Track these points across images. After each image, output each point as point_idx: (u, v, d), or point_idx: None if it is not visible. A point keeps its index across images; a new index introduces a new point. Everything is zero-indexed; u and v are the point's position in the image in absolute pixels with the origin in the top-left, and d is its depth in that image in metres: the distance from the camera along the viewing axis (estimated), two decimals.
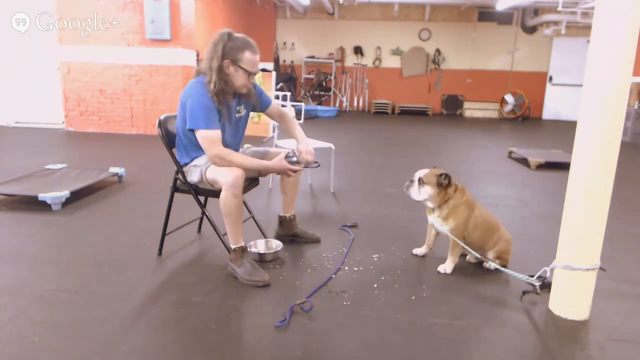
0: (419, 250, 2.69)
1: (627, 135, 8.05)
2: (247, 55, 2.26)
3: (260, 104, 2.58)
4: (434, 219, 2.48)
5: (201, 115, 2.22)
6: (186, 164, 2.43)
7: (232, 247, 2.31)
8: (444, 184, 2.37)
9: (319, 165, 2.46)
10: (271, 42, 12.02)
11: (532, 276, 2.21)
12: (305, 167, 2.43)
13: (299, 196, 3.61)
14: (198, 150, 2.37)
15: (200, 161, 2.37)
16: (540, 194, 4.23)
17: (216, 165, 2.27)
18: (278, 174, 2.50)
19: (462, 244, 2.40)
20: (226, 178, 2.18)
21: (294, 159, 2.38)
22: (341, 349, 1.76)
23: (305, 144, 2.52)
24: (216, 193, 2.36)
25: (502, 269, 2.37)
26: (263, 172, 2.55)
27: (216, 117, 2.27)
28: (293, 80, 11.92)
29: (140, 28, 6.78)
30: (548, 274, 2.13)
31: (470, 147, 6.86)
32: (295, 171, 2.40)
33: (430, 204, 2.44)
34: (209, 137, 2.23)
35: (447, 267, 2.46)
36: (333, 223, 3.21)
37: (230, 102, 2.36)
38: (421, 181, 2.39)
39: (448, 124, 10.05)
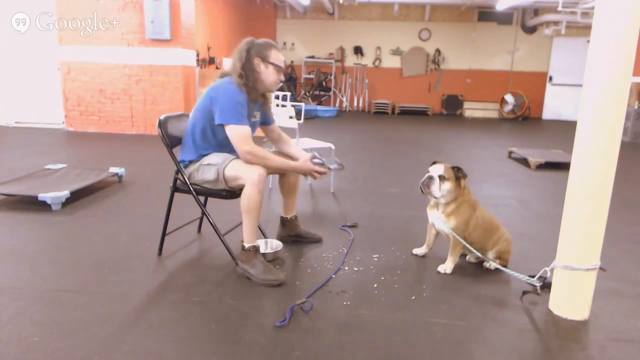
0: (419, 250, 2.69)
1: (627, 135, 8.05)
2: (274, 52, 2.35)
3: (266, 118, 2.60)
4: (435, 218, 2.48)
5: (233, 110, 2.25)
6: (191, 162, 2.43)
7: (246, 246, 2.30)
8: (459, 176, 2.38)
9: (343, 168, 2.45)
10: None
11: (533, 276, 2.20)
12: (330, 169, 2.42)
13: (299, 196, 3.61)
14: (208, 148, 2.39)
15: (215, 159, 2.36)
16: (540, 194, 4.23)
17: (247, 162, 2.29)
18: (304, 175, 2.49)
19: (463, 242, 2.40)
20: (252, 174, 2.20)
21: (320, 161, 2.39)
22: (341, 349, 1.76)
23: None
24: (217, 193, 2.37)
25: (503, 269, 2.37)
26: (286, 172, 2.56)
27: (246, 114, 2.30)
28: (293, 80, 11.92)
29: (140, 28, 6.78)
30: (548, 274, 2.13)
31: (470, 147, 6.86)
32: (320, 173, 2.41)
33: (444, 200, 2.42)
34: (241, 133, 2.25)
35: (447, 267, 2.46)
36: (333, 223, 3.21)
37: (252, 105, 2.40)
38: (442, 178, 2.38)
39: (448, 124, 10.05)
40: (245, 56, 2.31)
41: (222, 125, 2.29)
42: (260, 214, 2.32)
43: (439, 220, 2.46)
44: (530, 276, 2.23)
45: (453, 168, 2.39)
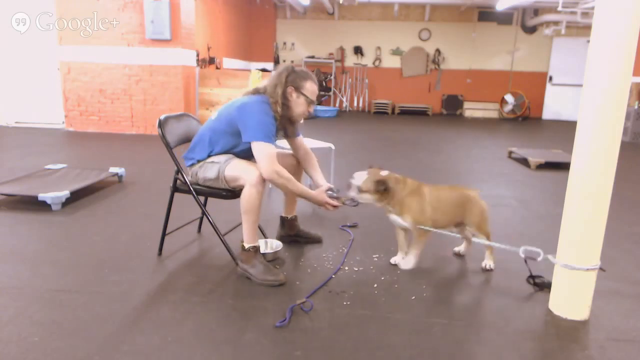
0: (396, 259, 2.57)
1: (627, 135, 8.05)
2: (309, 84, 2.37)
3: (293, 131, 2.60)
4: (395, 219, 2.45)
5: (266, 129, 2.26)
6: (198, 161, 2.43)
7: (246, 246, 2.30)
8: (381, 190, 2.35)
9: (357, 205, 2.46)
10: (271, 42, 12.02)
11: (531, 275, 2.21)
12: (343, 204, 2.44)
13: None
14: (221, 152, 2.39)
15: (219, 159, 2.37)
16: (540, 194, 4.22)
17: (271, 181, 2.30)
18: (318, 205, 2.48)
19: (434, 229, 2.38)
20: (251, 175, 2.22)
21: (334, 194, 2.42)
22: (341, 349, 1.76)
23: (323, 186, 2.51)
24: (218, 193, 2.37)
25: (490, 243, 2.33)
26: (301, 198, 2.55)
27: (274, 134, 2.34)
28: None
29: (140, 28, 6.78)
30: (541, 255, 2.11)
31: (470, 147, 6.86)
32: (333, 206, 2.41)
33: (377, 205, 2.42)
34: (270, 152, 2.25)
35: (408, 262, 2.44)
36: (333, 223, 3.21)
37: (279, 128, 2.43)
38: (360, 189, 2.38)
39: (448, 124, 10.05)
40: (284, 82, 2.32)
41: (248, 142, 2.29)
42: (260, 214, 2.32)
43: (398, 220, 2.43)
44: (530, 277, 2.24)
45: (377, 182, 2.34)
